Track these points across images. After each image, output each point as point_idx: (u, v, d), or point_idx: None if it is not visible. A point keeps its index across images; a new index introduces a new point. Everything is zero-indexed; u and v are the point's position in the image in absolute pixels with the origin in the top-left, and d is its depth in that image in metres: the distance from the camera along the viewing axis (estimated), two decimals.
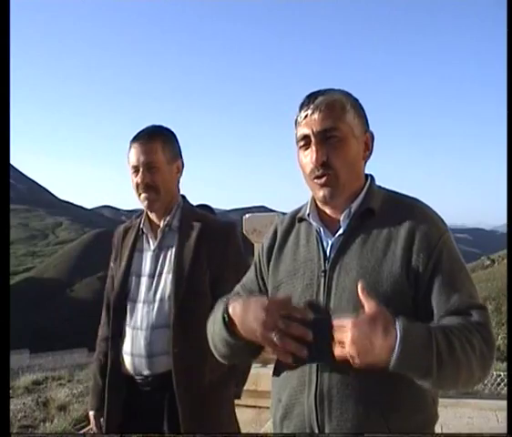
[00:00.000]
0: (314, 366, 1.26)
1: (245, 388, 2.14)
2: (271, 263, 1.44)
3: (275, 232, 1.49)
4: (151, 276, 1.90)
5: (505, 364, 6.16)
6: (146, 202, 1.90)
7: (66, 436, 2.00)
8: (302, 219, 1.43)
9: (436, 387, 1.20)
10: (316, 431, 1.25)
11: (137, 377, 1.88)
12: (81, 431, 4.48)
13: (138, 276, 1.93)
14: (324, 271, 1.30)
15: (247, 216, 4.95)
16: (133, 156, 1.89)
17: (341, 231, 1.33)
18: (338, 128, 1.29)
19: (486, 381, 5.41)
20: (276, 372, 1.41)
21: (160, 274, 1.89)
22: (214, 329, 1.38)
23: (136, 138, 1.91)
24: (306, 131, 1.31)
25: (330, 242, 1.33)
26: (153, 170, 1.87)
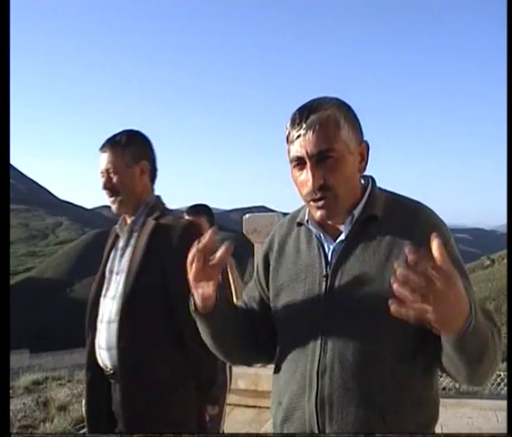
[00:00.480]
0: (315, 370, 1.26)
1: (245, 388, 2.14)
2: (271, 268, 1.44)
3: (273, 237, 1.49)
4: (117, 273, 2.03)
5: (505, 364, 6.15)
6: (112, 205, 2.04)
7: (66, 436, 2.00)
8: (301, 224, 1.41)
9: (477, 372, 1.12)
10: (317, 432, 1.25)
11: (104, 369, 1.99)
12: (81, 432, 4.48)
13: (111, 273, 2.06)
14: (326, 276, 1.30)
15: (247, 216, 4.95)
16: (99, 163, 2.06)
17: (342, 237, 1.31)
18: (333, 149, 1.24)
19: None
20: (276, 375, 1.41)
21: (122, 271, 2.00)
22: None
23: (100, 147, 2.06)
24: (300, 153, 1.25)
25: (331, 247, 1.32)
26: (112, 175, 2.01)
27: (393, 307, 0.92)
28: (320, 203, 1.26)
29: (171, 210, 2.12)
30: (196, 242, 1.22)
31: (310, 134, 1.23)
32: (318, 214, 1.29)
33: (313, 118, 1.24)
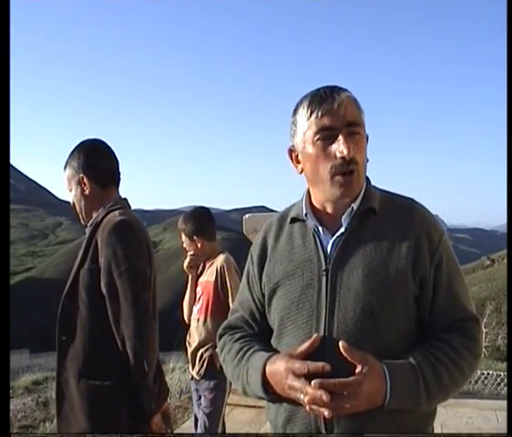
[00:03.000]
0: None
1: None
2: (265, 269, 1.41)
3: (264, 240, 1.45)
4: None
5: (505, 364, 6.16)
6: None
7: (66, 436, 1.98)
8: (295, 220, 1.40)
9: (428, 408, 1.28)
10: (324, 433, 1.23)
11: None
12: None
13: None
14: (326, 270, 1.29)
15: (247, 216, 4.93)
16: None
17: (342, 230, 1.31)
18: (360, 126, 1.30)
19: (486, 381, 5.42)
20: None
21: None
22: (247, 382, 1.34)
23: None
24: (331, 124, 1.26)
25: (330, 241, 1.32)
26: (70, 193, 2.12)
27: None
28: (348, 178, 1.27)
29: (130, 210, 2.10)
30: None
31: (343, 108, 1.27)
32: (341, 191, 1.28)
33: (345, 95, 1.28)
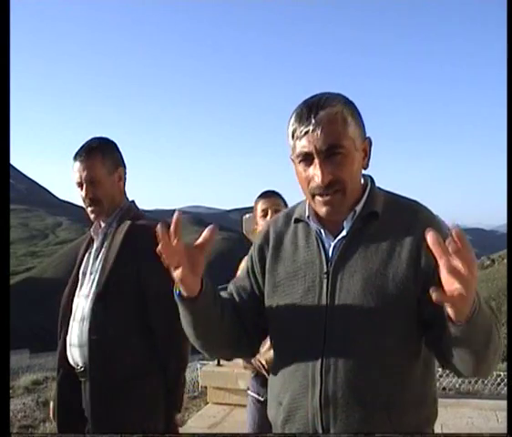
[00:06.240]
0: (318, 368, 1.24)
1: (245, 388, 2.12)
2: (268, 263, 1.41)
3: (268, 232, 1.45)
4: (91, 273, 2.04)
5: (505, 364, 6.15)
6: (92, 215, 2.05)
7: (66, 436, 1.99)
8: (299, 220, 1.40)
9: (482, 360, 1.13)
10: (321, 432, 1.24)
11: (75, 367, 1.99)
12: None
13: (84, 275, 2.07)
14: (327, 273, 1.29)
15: (247, 216, 4.92)
16: (75, 172, 2.04)
17: (344, 233, 1.30)
18: (342, 145, 1.23)
19: (486, 382, 5.42)
20: (274, 375, 1.39)
21: (96, 271, 2.02)
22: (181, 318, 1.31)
23: (76, 155, 2.04)
24: (307, 149, 1.24)
25: (332, 244, 1.31)
26: (95, 185, 2.00)
27: (435, 294, 0.97)
28: (327, 198, 1.25)
29: (144, 214, 2.13)
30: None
31: (319, 130, 1.21)
32: (324, 209, 1.27)
33: (322, 114, 1.22)
